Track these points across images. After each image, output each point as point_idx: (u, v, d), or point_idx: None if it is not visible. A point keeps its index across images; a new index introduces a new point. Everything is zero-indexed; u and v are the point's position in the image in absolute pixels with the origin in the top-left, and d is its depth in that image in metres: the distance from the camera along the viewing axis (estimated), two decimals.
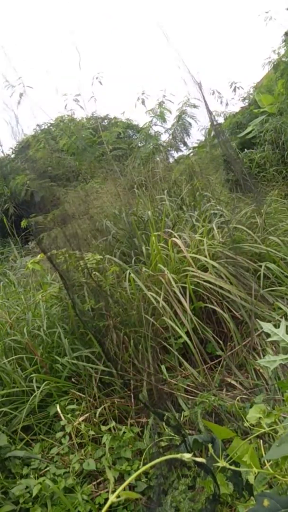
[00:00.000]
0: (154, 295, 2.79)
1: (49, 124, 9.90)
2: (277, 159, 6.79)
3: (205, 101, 3.27)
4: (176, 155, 8.45)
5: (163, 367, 2.56)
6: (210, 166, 6.04)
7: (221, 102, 9.03)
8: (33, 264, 3.23)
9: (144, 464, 2.05)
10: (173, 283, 2.83)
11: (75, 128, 7.87)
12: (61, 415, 2.30)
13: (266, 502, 0.73)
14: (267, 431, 1.07)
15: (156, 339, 2.74)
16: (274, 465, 1.03)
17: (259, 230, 3.66)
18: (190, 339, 2.59)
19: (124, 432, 2.19)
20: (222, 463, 0.92)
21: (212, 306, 2.84)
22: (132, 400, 2.49)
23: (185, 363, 2.60)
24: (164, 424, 2.15)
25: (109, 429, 2.23)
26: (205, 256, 3.05)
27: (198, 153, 7.69)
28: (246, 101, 9.39)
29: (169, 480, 1.92)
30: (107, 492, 2.00)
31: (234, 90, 9.21)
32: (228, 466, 0.92)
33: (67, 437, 2.22)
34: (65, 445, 2.19)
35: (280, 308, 2.81)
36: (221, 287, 2.85)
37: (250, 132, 7.79)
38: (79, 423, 2.25)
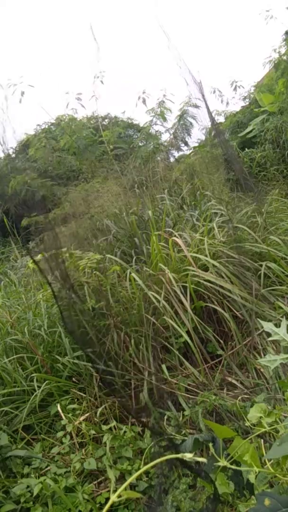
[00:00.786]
0: (155, 294, 2.79)
1: (49, 123, 9.91)
2: (278, 158, 6.78)
3: (205, 101, 3.27)
4: (177, 154, 8.46)
5: (163, 366, 2.56)
6: (210, 165, 6.03)
7: (221, 101, 9.03)
8: (33, 263, 3.23)
9: (145, 463, 2.05)
10: (173, 282, 2.83)
11: (76, 127, 7.86)
12: (62, 414, 2.31)
13: (267, 501, 0.73)
14: (268, 430, 1.07)
15: (156, 339, 2.74)
16: (275, 464, 1.03)
17: (259, 229, 3.66)
18: (191, 339, 2.59)
19: (125, 432, 2.19)
20: (223, 462, 0.92)
21: (213, 306, 2.84)
22: (133, 399, 2.49)
23: (186, 363, 2.60)
24: (165, 423, 2.15)
25: (110, 429, 2.24)
26: (206, 256, 3.05)
27: (199, 152, 7.68)
28: (247, 100, 9.38)
29: (170, 480, 1.93)
30: (108, 491, 2.00)
31: (235, 89, 9.20)
32: (229, 465, 0.92)
33: (68, 437, 2.22)
34: (66, 444, 2.19)
35: (281, 308, 2.81)
36: (221, 287, 2.85)
37: (251, 131, 7.78)
38: (80, 423, 2.25)
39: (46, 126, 10.04)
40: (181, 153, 8.46)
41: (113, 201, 5.02)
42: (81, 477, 2.07)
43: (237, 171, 4.88)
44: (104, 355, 2.31)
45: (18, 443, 2.27)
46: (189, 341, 2.58)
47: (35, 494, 1.86)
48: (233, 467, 0.92)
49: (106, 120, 10.89)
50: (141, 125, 9.58)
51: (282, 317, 2.69)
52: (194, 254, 3.10)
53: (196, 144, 8.65)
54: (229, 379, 2.53)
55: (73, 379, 2.61)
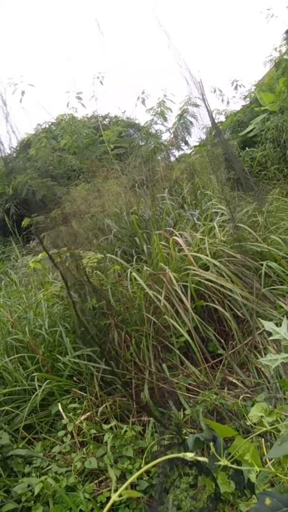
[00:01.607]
0: (156, 293, 2.79)
1: (50, 123, 9.91)
2: (279, 157, 6.77)
3: (204, 101, 3.26)
4: (177, 153, 8.45)
5: (164, 365, 2.57)
6: (211, 164, 6.02)
7: (222, 100, 9.02)
8: (34, 263, 3.24)
9: (146, 462, 2.05)
10: (174, 281, 2.82)
11: (76, 126, 7.86)
12: (63, 413, 2.31)
13: (268, 501, 0.73)
14: (268, 429, 1.07)
15: (157, 338, 2.74)
16: (276, 463, 1.03)
17: (260, 229, 3.66)
18: (192, 338, 2.59)
19: (126, 431, 2.19)
20: (223, 461, 0.92)
21: (214, 305, 2.84)
22: (134, 399, 2.49)
23: (187, 362, 2.60)
24: (164, 423, 2.15)
25: (111, 428, 2.24)
26: (207, 255, 3.05)
27: (199, 151, 7.67)
28: (248, 99, 9.36)
29: (170, 479, 1.93)
30: (109, 490, 2.00)
31: (236, 88, 9.19)
32: (229, 464, 0.92)
33: (69, 436, 2.23)
34: (67, 443, 2.19)
35: (282, 307, 2.81)
36: (222, 286, 2.85)
37: (252, 130, 7.77)
38: (81, 422, 2.25)
39: (47, 126, 10.04)
40: (181, 152, 8.46)
41: (113, 200, 5.02)
42: (82, 476, 2.07)
43: (237, 171, 4.88)
44: (106, 353, 2.31)
45: (19, 442, 2.28)
46: (189, 340, 2.58)
47: (36, 493, 1.87)
48: (234, 466, 0.92)
49: (106, 120, 10.88)
50: (142, 124, 9.58)
51: (283, 316, 2.68)
52: (195, 254, 3.10)
53: (197, 143, 8.64)
54: (230, 378, 2.53)
55: (74, 378, 2.61)
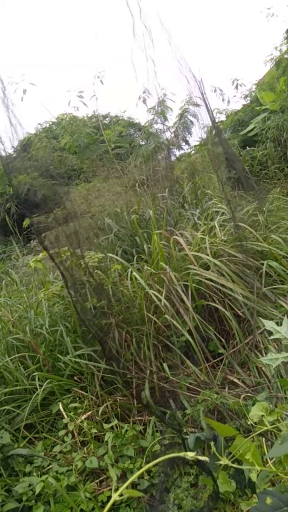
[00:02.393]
0: (156, 293, 2.79)
1: (51, 122, 9.91)
2: (279, 156, 6.76)
3: (204, 101, 3.25)
4: (178, 153, 8.44)
5: (165, 365, 2.57)
6: (212, 163, 6.02)
7: (223, 100, 9.00)
8: (35, 262, 3.24)
9: (147, 462, 2.06)
10: (175, 281, 2.82)
11: (76, 126, 7.86)
12: (64, 413, 2.31)
13: (268, 500, 0.73)
14: (269, 429, 1.07)
15: (158, 337, 2.74)
16: (277, 463, 1.03)
17: (261, 228, 3.65)
18: (192, 337, 2.59)
19: (127, 430, 2.20)
20: (224, 461, 0.92)
21: (214, 304, 2.84)
22: (135, 398, 2.49)
23: (187, 361, 2.60)
24: (167, 421, 2.15)
25: (112, 427, 2.24)
26: (207, 254, 3.05)
27: (200, 151, 7.67)
28: (248, 98, 9.35)
29: (171, 478, 1.93)
30: (110, 490, 2.01)
31: (236, 87, 9.18)
32: (230, 464, 0.92)
33: (70, 435, 2.23)
34: (68, 443, 2.20)
35: (282, 306, 2.80)
36: (223, 285, 2.85)
37: (252, 129, 7.76)
38: (82, 421, 2.25)
39: (47, 125, 10.05)
40: (182, 151, 8.45)
41: (114, 200, 5.02)
42: (83, 475, 2.07)
43: (238, 170, 4.88)
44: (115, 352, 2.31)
45: (20, 441, 2.28)
46: (190, 339, 2.58)
47: (37, 492, 1.87)
48: (235, 465, 0.92)
49: (107, 119, 10.88)
50: (142, 124, 9.57)
51: (283, 315, 2.68)
52: (195, 253, 3.10)
53: (197, 143, 8.64)
54: (231, 377, 2.53)
55: (75, 377, 2.62)
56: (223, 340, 2.82)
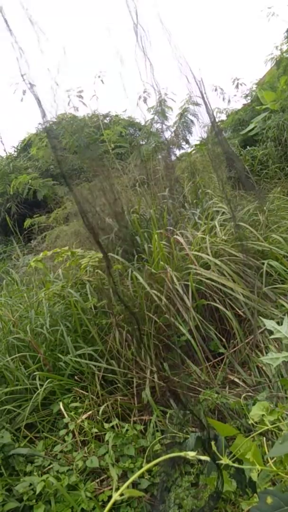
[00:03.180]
0: (157, 292, 2.79)
1: (51, 122, 9.89)
2: (280, 156, 6.75)
3: (204, 101, 3.25)
4: (178, 152, 8.44)
5: (165, 364, 2.57)
6: (212, 163, 6.01)
7: (223, 99, 9.01)
8: (35, 262, 3.24)
9: (147, 461, 2.06)
10: (175, 281, 2.82)
11: (77, 126, 7.86)
12: (64, 412, 2.31)
13: (269, 500, 0.73)
14: (270, 428, 1.07)
15: (158, 337, 2.74)
16: (278, 462, 1.03)
17: (261, 228, 3.65)
18: (193, 337, 2.59)
19: (127, 430, 2.20)
20: (225, 460, 0.92)
21: (215, 304, 2.84)
22: (135, 398, 2.50)
23: (188, 361, 2.60)
24: (167, 421, 2.15)
25: (112, 427, 2.24)
26: (208, 254, 3.04)
27: (200, 150, 7.66)
28: (249, 98, 9.35)
29: (172, 477, 1.93)
30: (111, 489, 2.01)
31: (237, 86, 9.18)
32: (231, 463, 0.92)
33: (71, 435, 2.23)
34: (69, 442, 2.20)
35: (283, 306, 2.80)
36: (223, 285, 2.85)
37: (253, 129, 7.76)
38: (82, 421, 2.25)
39: (48, 125, 10.03)
40: (182, 151, 8.45)
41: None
42: (84, 475, 2.07)
43: (237, 170, 4.87)
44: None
45: (21, 441, 2.28)
46: (191, 339, 2.58)
47: (37, 492, 1.87)
48: (236, 465, 0.92)
49: (107, 119, 10.88)
50: (142, 123, 9.57)
51: (284, 315, 2.68)
52: (196, 253, 3.10)
53: (198, 142, 8.64)
54: (231, 377, 2.53)
55: (75, 377, 2.62)
56: (223, 339, 2.82)
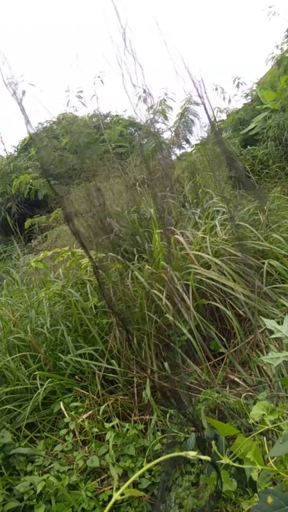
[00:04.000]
0: (157, 292, 2.79)
1: (51, 122, 9.90)
2: (280, 155, 6.75)
3: (203, 103, 3.25)
4: (178, 152, 8.43)
5: (166, 364, 2.57)
6: (212, 163, 6.02)
7: (224, 98, 9.00)
8: (36, 262, 3.24)
9: (148, 461, 2.06)
10: (176, 280, 2.82)
11: (77, 126, 7.86)
12: (65, 412, 2.31)
13: (269, 499, 0.72)
14: (270, 428, 1.07)
15: (159, 337, 2.74)
16: (278, 462, 1.03)
17: (262, 227, 3.65)
18: (193, 336, 2.59)
19: (128, 429, 2.20)
20: (225, 460, 0.92)
21: (215, 303, 2.84)
22: (136, 397, 2.50)
23: (188, 360, 2.60)
24: (167, 421, 2.15)
25: (113, 426, 2.24)
26: (208, 254, 3.04)
27: (200, 150, 7.66)
28: (249, 97, 9.34)
29: (172, 477, 1.93)
30: (111, 489, 2.01)
31: (237, 86, 9.17)
32: (231, 463, 0.92)
33: (71, 434, 2.23)
34: (69, 442, 2.20)
35: (284, 305, 2.80)
36: (224, 284, 2.85)
37: (253, 128, 7.75)
38: (83, 420, 2.25)
39: (48, 125, 10.04)
40: (182, 150, 8.45)
41: (115, 199, 5.02)
42: (84, 474, 2.07)
43: (237, 169, 4.87)
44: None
45: (21, 441, 2.28)
46: (191, 339, 2.58)
47: (38, 491, 1.87)
48: (236, 464, 0.92)
49: (108, 119, 10.88)
50: (143, 123, 9.55)
51: (284, 314, 2.68)
52: (196, 252, 3.10)
53: (198, 142, 8.63)
54: (232, 377, 2.53)
55: (76, 377, 2.62)
56: (224, 339, 2.82)
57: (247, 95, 9.40)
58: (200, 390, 2.38)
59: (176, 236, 3.24)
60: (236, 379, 2.50)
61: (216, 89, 8.68)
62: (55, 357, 2.73)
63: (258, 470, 0.96)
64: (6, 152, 9.69)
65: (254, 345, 2.69)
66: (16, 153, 10.60)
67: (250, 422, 1.16)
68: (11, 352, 2.80)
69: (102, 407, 2.35)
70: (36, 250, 6.13)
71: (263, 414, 1.11)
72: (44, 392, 2.45)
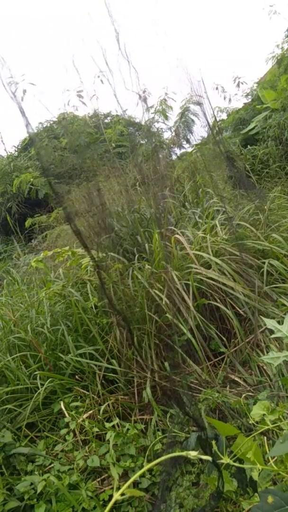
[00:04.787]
0: (157, 292, 2.79)
1: (51, 122, 9.91)
2: (280, 155, 6.74)
3: (202, 103, 3.25)
4: (178, 152, 8.43)
5: (166, 364, 2.57)
6: (212, 163, 6.01)
7: (224, 98, 9.00)
8: (36, 262, 3.24)
9: (148, 461, 2.06)
10: (176, 280, 2.82)
11: (77, 125, 7.86)
12: (65, 412, 2.31)
13: (270, 499, 0.72)
14: (271, 427, 1.07)
15: (159, 336, 2.74)
16: (278, 461, 1.03)
17: (262, 227, 3.65)
18: (194, 336, 2.59)
19: (128, 429, 2.20)
20: (226, 460, 0.92)
21: (216, 303, 2.84)
22: (136, 397, 2.50)
23: (189, 360, 2.60)
24: (168, 421, 2.15)
25: (113, 426, 2.24)
26: (208, 253, 3.04)
27: (201, 150, 7.66)
28: (249, 96, 9.33)
29: (173, 477, 1.93)
30: (112, 488, 2.01)
31: (238, 85, 9.17)
32: (232, 463, 0.92)
33: (71, 434, 2.23)
34: (70, 442, 2.20)
35: (284, 305, 2.80)
36: (224, 284, 2.85)
37: (253, 128, 7.75)
38: (83, 420, 2.25)
39: (48, 125, 10.04)
40: (183, 150, 8.45)
41: (115, 199, 5.02)
42: (85, 474, 2.08)
43: (237, 169, 4.87)
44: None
45: (22, 440, 2.28)
46: (191, 338, 2.58)
47: (38, 491, 1.87)
48: (236, 464, 0.92)
49: (108, 118, 10.87)
50: (143, 123, 9.55)
51: (284, 314, 2.68)
52: (197, 252, 3.10)
53: (198, 142, 8.63)
54: (232, 376, 2.53)
55: (76, 376, 2.62)
56: (224, 339, 2.82)
57: (247, 94, 9.40)
58: (201, 389, 2.38)
59: (176, 235, 3.24)
60: (237, 379, 2.50)
61: (217, 88, 8.68)
62: (56, 357, 2.74)
63: (259, 469, 0.96)
64: (7, 152, 9.70)
65: (254, 345, 2.69)
66: (16, 153, 10.60)
67: (250, 422, 1.16)
68: (11, 351, 2.80)
69: (103, 407, 2.35)
70: (36, 249, 6.13)
71: (264, 414, 1.11)
72: (45, 392, 2.45)
